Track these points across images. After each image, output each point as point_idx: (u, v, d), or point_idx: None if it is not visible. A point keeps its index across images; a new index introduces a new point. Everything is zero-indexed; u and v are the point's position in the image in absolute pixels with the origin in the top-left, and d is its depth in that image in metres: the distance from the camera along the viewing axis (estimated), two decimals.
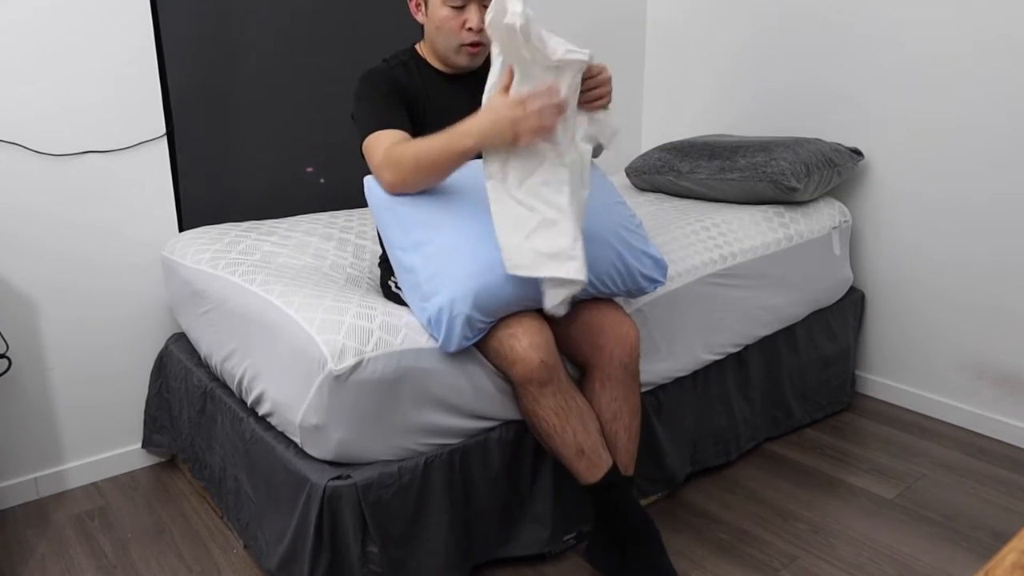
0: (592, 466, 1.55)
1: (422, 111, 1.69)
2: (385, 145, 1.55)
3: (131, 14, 2.00)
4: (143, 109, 2.06)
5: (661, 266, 1.68)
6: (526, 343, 1.50)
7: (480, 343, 1.56)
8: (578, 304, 1.65)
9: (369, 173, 1.79)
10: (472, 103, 1.66)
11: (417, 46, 1.77)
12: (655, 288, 1.70)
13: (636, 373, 1.65)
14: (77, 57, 1.95)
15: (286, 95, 2.29)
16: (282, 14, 2.24)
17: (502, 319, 1.54)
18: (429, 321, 1.50)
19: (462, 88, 1.72)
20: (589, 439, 1.55)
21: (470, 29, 1.63)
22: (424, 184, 1.54)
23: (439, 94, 1.71)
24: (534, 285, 1.49)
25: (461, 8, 1.63)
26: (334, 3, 2.32)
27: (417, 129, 1.63)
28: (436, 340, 1.50)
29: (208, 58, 2.14)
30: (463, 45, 1.66)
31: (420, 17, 1.70)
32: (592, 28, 2.96)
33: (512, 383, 1.57)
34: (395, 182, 1.54)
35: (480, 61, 1.72)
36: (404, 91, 1.68)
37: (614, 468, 1.58)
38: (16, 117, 1.89)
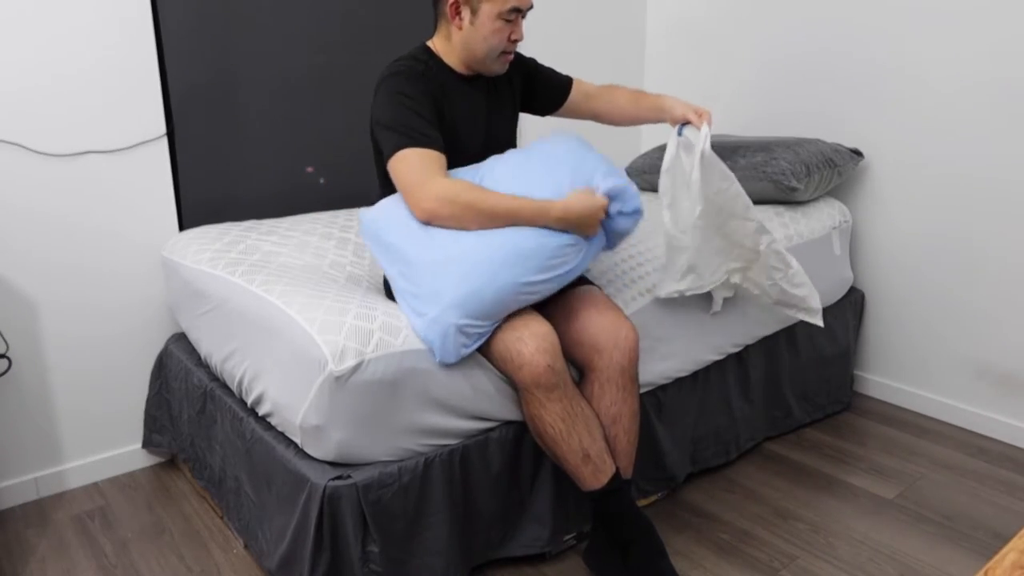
0: (597, 472, 1.55)
1: (451, 121, 1.68)
2: (438, 173, 1.54)
3: (131, 14, 2.00)
4: (143, 109, 2.06)
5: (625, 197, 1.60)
6: (533, 347, 1.49)
7: (485, 348, 1.55)
8: (577, 306, 1.65)
9: (377, 175, 1.79)
10: (491, 108, 1.73)
11: (431, 44, 1.74)
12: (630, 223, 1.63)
13: (635, 376, 1.65)
14: (77, 57, 1.95)
15: (286, 95, 2.29)
16: (283, 14, 2.24)
17: (507, 324, 1.54)
18: (425, 337, 1.50)
19: (478, 90, 1.74)
20: (595, 445, 1.55)
21: (514, 41, 1.66)
22: (477, 228, 1.53)
23: (457, 95, 1.70)
24: (518, 284, 1.49)
25: (512, 21, 1.64)
26: (334, 3, 2.32)
27: (446, 139, 1.64)
28: (435, 356, 1.50)
29: (208, 58, 2.14)
30: (504, 53, 1.68)
31: (458, 23, 1.66)
32: (593, 28, 2.96)
33: (517, 388, 1.56)
34: (445, 218, 1.52)
35: (506, 68, 1.75)
36: (433, 95, 1.65)
37: (617, 473, 1.58)
38: (16, 117, 1.89)
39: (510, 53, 1.69)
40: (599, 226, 1.56)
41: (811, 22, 2.56)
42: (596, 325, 1.62)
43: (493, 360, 1.56)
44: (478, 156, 1.70)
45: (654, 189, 2.63)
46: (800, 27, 2.60)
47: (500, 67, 1.71)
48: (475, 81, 1.75)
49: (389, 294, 1.73)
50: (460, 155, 1.67)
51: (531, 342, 1.50)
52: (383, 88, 1.64)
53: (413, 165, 1.55)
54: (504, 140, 1.82)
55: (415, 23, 2.47)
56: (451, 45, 1.70)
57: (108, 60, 1.99)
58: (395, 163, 1.58)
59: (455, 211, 1.51)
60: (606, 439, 1.59)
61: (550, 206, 1.50)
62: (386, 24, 2.42)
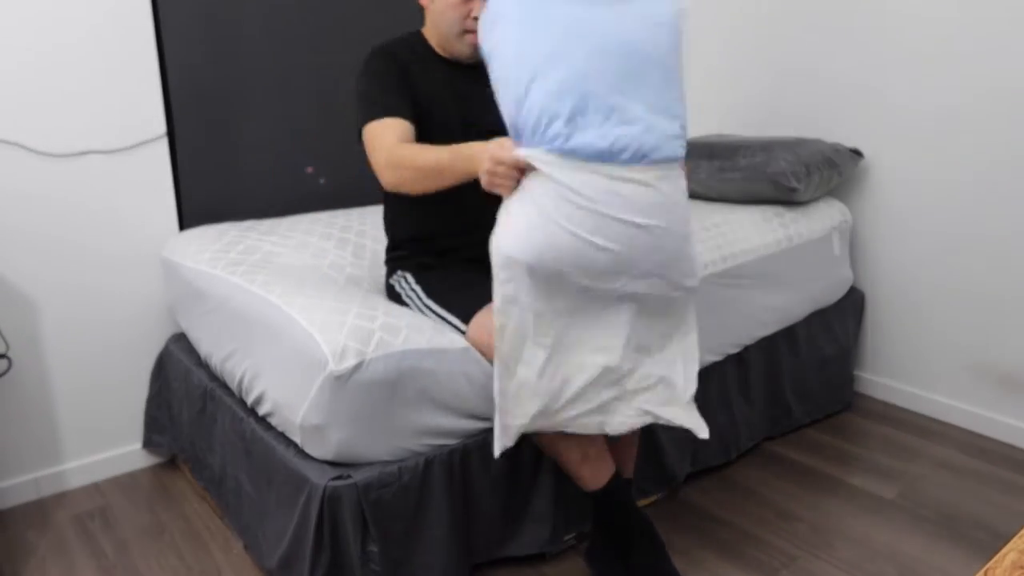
0: (596, 472, 1.55)
1: (426, 97, 1.66)
2: (388, 141, 1.54)
3: (131, 14, 2.00)
4: (143, 109, 2.06)
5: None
6: None
7: (483, 350, 1.54)
8: None
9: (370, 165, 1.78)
10: (473, 92, 1.64)
11: (423, 31, 1.75)
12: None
13: None
14: (77, 57, 1.95)
15: (286, 95, 2.29)
16: (282, 14, 2.24)
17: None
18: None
19: (464, 77, 1.71)
20: (593, 446, 1.54)
21: (475, 18, 1.61)
22: (424, 189, 1.52)
23: (441, 81, 1.69)
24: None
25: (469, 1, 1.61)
26: (335, 3, 2.32)
27: (420, 115, 1.63)
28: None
29: (208, 58, 2.14)
30: (467, 32, 1.64)
31: (425, 1, 1.68)
32: None
33: None
34: (395, 183, 1.54)
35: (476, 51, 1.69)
36: (409, 72, 1.65)
37: (616, 473, 1.57)
38: (16, 117, 1.89)
39: (475, 32, 1.62)
40: (493, 182, 1.37)
41: (811, 22, 2.56)
42: None
43: (491, 363, 1.54)
44: (458, 139, 1.62)
45: None
46: (800, 27, 2.60)
47: (466, 48, 1.66)
48: (463, 68, 1.72)
49: (391, 295, 1.73)
50: (438, 136, 1.63)
51: None
52: (362, 67, 1.66)
53: (372, 139, 1.57)
54: (486, 124, 1.72)
55: (416, 23, 2.47)
56: (428, 27, 1.72)
57: (108, 60, 1.99)
58: (365, 137, 1.60)
59: (400, 175, 1.51)
60: (605, 439, 1.59)
61: (468, 154, 1.42)
62: (387, 24, 2.42)
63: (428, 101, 1.65)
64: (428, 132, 1.62)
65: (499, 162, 1.33)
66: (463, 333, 1.58)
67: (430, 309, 1.63)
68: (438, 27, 1.67)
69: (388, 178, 1.54)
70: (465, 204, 1.65)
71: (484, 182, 1.37)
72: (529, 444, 1.65)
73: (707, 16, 2.88)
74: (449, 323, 1.60)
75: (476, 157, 1.40)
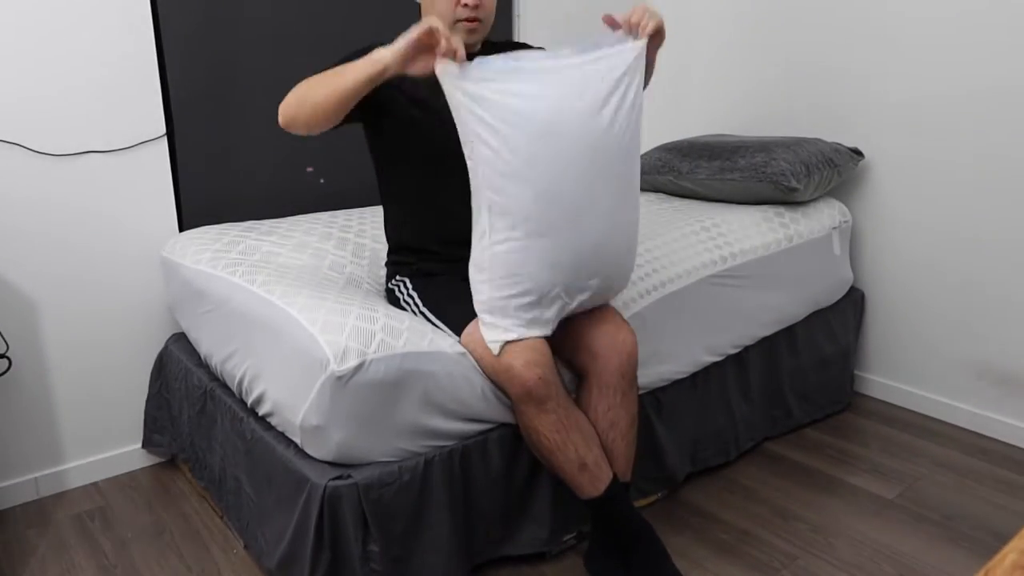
0: (594, 479, 1.54)
1: (413, 87, 1.61)
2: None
3: (131, 15, 2.00)
4: (143, 109, 2.06)
5: None
6: (522, 360, 1.47)
7: (477, 359, 1.54)
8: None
9: (376, 173, 1.78)
10: None
11: None
12: None
13: (634, 380, 1.64)
14: (77, 57, 1.95)
15: (286, 95, 2.28)
16: (282, 14, 2.24)
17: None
18: None
19: None
20: (591, 453, 1.54)
21: (465, 5, 1.58)
22: (324, 102, 1.49)
23: (433, 79, 1.66)
24: None
25: None
26: (334, 3, 2.32)
27: (406, 109, 1.62)
28: None
29: (208, 58, 2.14)
30: (459, 21, 1.60)
31: None
32: (591, 27, 2.96)
33: (510, 400, 1.56)
34: (289, 102, 1.53)
35: (478, 38, 1.65)
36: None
37: (614, 479, 1.57)
38: (16, 117, 1.89)
39: (471, 20, 1.60)
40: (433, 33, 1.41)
41: (811, 22, 2.56)
42: (594, 329, 1.61)
43: (485, 372, 1.54)
44: (451, 131, 1.54)
45: (655, 189, 2.63)
46: (800, 27, 2.60)
47: (463, 36, 1.61)
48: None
49: (391, 300, 1.72)
50: (436, 130, 1.60)
51: (521, 355, 1.48)
52: None
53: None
54: None
55: (415, 21, 2.47)
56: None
57: (108, 60, 1.99)
58: None
59: (296, 93, 1.52)
60: (603, 445, 1.59)
61: (379, 55, 1.44)
62: (386, 24, 2.42)
63: (416, 101, 1.63)
64: (425, 126, 1.61)
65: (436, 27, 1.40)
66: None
67: (425, 317, 1.63)
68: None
69: (285, 102, 1.53)
70: (464, 213, 1.64)
71: (423, 29, 1.41)
72: None
73: (707, 16, 2.88)
74: (444, 332, 1.60)
75: (390, 47, 1.43)
